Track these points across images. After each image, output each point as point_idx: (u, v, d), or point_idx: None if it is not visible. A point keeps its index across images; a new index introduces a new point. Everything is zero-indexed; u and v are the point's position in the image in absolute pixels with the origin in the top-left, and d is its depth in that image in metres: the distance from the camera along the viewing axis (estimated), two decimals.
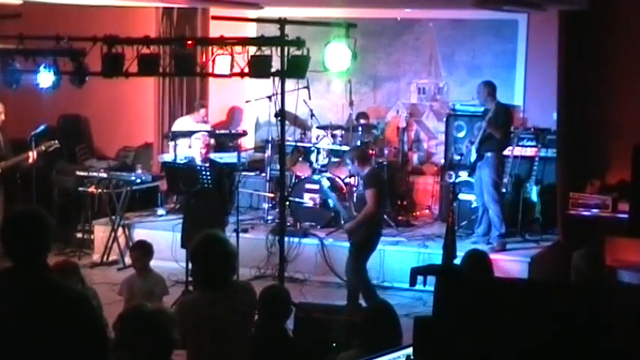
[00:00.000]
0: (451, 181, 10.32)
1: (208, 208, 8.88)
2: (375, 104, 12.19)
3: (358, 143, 10.73)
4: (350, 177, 10.56)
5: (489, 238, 10.01)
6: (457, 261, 8.45)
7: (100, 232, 10.86)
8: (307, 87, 10.03)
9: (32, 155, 9.94)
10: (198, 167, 9.19)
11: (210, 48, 8.82)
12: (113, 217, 10.69)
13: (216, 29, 10.40)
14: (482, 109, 10.20)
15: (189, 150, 10.68)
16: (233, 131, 11.93)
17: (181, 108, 12.22)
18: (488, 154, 9.85)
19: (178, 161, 10.60)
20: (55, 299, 3.85)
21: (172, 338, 3.82)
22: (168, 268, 9.79)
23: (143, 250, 7.43)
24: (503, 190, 10.30)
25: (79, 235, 11.12)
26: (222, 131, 11.78)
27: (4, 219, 4.03)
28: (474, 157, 9.92)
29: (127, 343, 3.80)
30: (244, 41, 8.09)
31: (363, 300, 8.45)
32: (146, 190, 11.34)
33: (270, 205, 11.19)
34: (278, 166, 8.91)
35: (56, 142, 10.15)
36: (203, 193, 8.95)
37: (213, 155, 10.32)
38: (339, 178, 10.73)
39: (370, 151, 10.17)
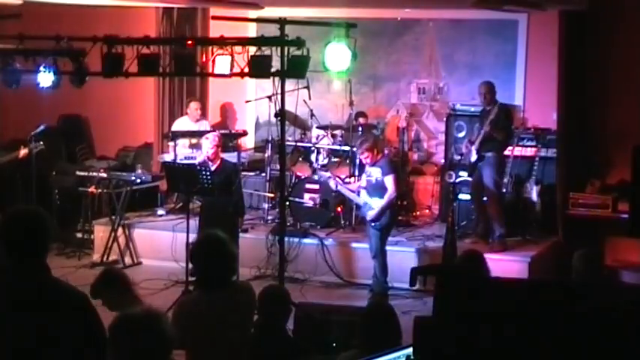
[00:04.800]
0: (451, 181, 10.31)
1: (223, 210, 8.89)
2: (375, 104, 12.19)
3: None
4: (350, 177, 10.56)
5: (489, 238, 10.00)
6: None
7: (100, 232, 10.86)
8: (307, 87, 10.03)
9: (20, 154, 9.94)
10: (199, 167, 9.19)
11: (210, 48, 8.82)
12: (113, 217, 10.68)
13: (216, 29, 10.40)
14: (481, 109, 10.21)
15: (196, 150, 10.67)
16: (233, 131, 11.93)
17: (181, 108, 12.21)
18: (489, 154, 9.84)
19: (179, 161, 10.61)
20: (54, 299, 3.84)
21: (169, 337, 3.79)
22: (168, 268, 9.83)
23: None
24: (504, 190, 10.30)
25: (79, 235, 11.12)
26: (223, 131, 11.77)
27: (4, 218, 4.02)
28: (474, 157, 9.91)
29: (123, 353, 3.79)
30: (244, 41, 8.09)
31: (380, 274, 9.17)
32: (146, 190, 11.34)
33: (270, 205, 11.19)
34: (278, 166, 8.91)
35: (41, 143, 10.16)
36: (216, 194, 8.97)
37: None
38: (340, 177, 10.71)
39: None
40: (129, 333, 3.74)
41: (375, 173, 9.18)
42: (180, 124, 11.67)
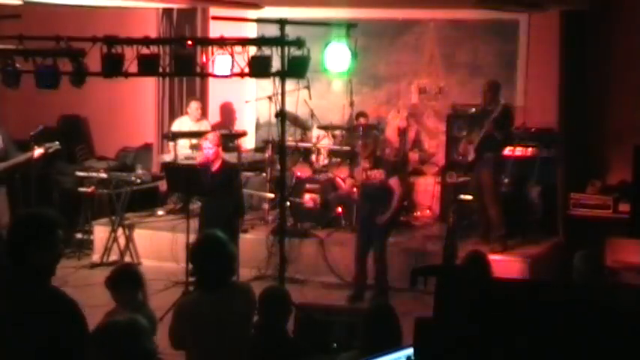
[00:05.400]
0: (452, 181, 10.30)
1: (224, 210, 8.91)
2: (376, 104, 12.18)
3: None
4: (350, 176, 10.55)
5: (490, 238, 9.99)
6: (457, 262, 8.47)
7: (100, 232, 10.86)
8: (308, 87, 10.02)
9: (35, 154, 9.87)
10: (199, 168, 9.18)
11: (210, 48, 8.82)
12: (113, 218, 10.68)
13: (216, 29, 10.40)
14: (481, 108, 10.21)
15: (196, 151, 10.67)
16: (233, 131, 11.93)
17: (181, 108, 12.22)
18: (488, 154, 9.83)
19: (179, 161, 10.62)
20: (43, 305, 3.81)
21: (148, 349, 3.82)
22: (168, 269, 9.83)
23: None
24: (504, 190, 10.29)
25: (79, 235, 11.11)
26: (223, 131, 11.76)
27: (14, 220, 4.03)
28: (471, 157, 9.90)
29: (102, 354, 3.80)
30: (244, 41, 8.09)
31: (382, 275, 9.18)
32: (146, 190, 11.34)
33: (271, 205, 11.18)
34: (278, 167, 8.90)
35: (57, 143, 10.11)
36: (217, 194, 8.97)
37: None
38: (340, 177, 10.71)
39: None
40: (113, 339, 3.77)
41: (376, 176, 9.17)
42: (181, 123, 11.68)
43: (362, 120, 11.51)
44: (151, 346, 3.84)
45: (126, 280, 5.64)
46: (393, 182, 9.13)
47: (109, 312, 5.52)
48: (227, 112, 12.79)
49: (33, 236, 3.89)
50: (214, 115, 12.59)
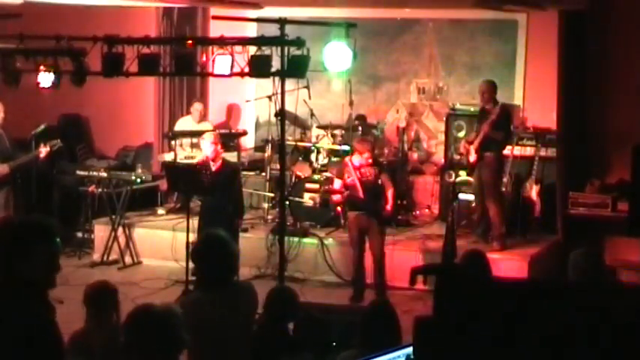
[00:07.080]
0: (451, 180, 10.32)
1: (224, 210, 8.92)
2: (375, 104, 12.20)
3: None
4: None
5: (489, 237, 10.01)
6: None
7: (100, 231, 10.88)
8: (307, 87, 10.03)
9: (42, 152, 9.88)
10: (199, 167, 9.20)
11: (210, 48, 8.83)
12: (113, 217, 10.69)
13: (216, 29, 10.41)
14: (480, 108, 10.23)
15: (197, 150, 10.69)
16: (233, 131, 11.94)
17: (181, 108, 12.22)
18: (488, 153, 9.85)
19: (179, 161, 10.63)
20: (9, 323, 3.50)
21: (181, 338, 3.82)
22: (168, 268, 9.85)
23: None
24: (503, 190, 10.31)
25: (80, 234, 11.13)
26: (223, 131, 11.77)
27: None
28: (472, 157, 9.91)
29: (135, 344, 3.80)
30: (244, 41, 8.10)
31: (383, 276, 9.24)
32: (146, 189, 11.35)
33: (270, 204, 11.20)
34: (278, 166, 8.92)
35: (59, 141, 10.13)
36: (217, 194, 8.98)
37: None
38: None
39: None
40: (149, 325, 3.76)
41: (371, 172, 9.22)
42: (183, 123, 11.68)
43: (359, 122, 11.52)
44: (185, 336, 3.83)
45: (106, 298, 5.50)
46: (384, 179, 9.28)
47: (75, 333, 5.35)
48: (227, 111, 12.80)
49: (13, 245, 3.52)
50: (214, 115, 12.59)
